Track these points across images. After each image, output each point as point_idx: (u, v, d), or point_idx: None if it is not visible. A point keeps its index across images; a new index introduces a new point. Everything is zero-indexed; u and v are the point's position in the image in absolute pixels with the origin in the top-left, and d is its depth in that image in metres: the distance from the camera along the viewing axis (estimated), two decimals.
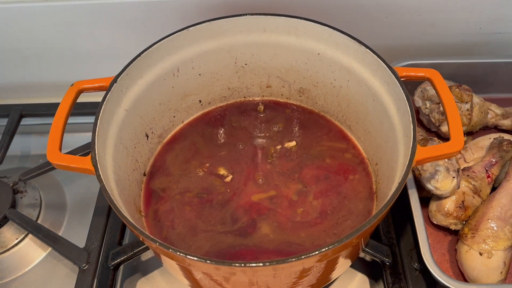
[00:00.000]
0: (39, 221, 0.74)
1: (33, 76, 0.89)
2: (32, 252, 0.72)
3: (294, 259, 0.44)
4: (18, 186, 0.78)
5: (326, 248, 0.44)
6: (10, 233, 0.73)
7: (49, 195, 0.78)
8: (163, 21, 0.79)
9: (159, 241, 0.47)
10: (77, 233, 0.73)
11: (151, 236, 0.48)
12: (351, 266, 0.66)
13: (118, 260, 0.64)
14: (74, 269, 0.68)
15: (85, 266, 0.65)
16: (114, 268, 0.64)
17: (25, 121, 0.85)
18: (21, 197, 0.77)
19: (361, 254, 0.67)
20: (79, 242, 0.70)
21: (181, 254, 0.45)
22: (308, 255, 0.44)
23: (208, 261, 0.45)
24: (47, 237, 0.68)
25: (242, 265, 0.45)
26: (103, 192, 0.50)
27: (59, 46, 0.84)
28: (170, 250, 0.45)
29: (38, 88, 0.90)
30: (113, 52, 0.84)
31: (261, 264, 0.44)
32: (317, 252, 0.44)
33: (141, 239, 0.48)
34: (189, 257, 0.45)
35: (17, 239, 0.72)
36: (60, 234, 0.73)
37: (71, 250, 0.67)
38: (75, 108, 0.77)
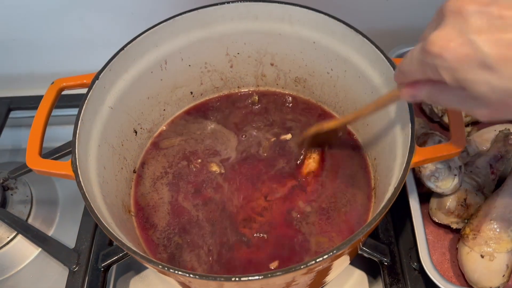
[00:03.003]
0: (30, 218, 0.73)
1: (19, 67, 0.86)
2: (24, 250, 0.71)
3: (281, 273, 0.42)
4: (8, 183, 0.76)
5: (314, 262, 0.42)
6: (1, 231, 0.71)
7: (41, 191, 0.77)
8: (150, 9, 0.75)
9: (142, 254, 0.45)
10: (69, 231, 0.71)
11: (134, 249, 0.46)
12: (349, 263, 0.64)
13: (109, 261, 0.63)
14: (66, 268, 0.66)
15: (75, 268, 0.64)
16: (104, 270, 0.63)
17: (14, 114, 0.83)
18: (11, 194, 0.75)
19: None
20: (71, 240, 0.69)
21: (176, 272, 0.43)
22: (296, 268, 0.42)
23: (204, 278, 0.43)
24: (36, 237, 0.67)
25: (237, 279, 0.43)
26: (84, 200, 0.48)
27: (44, 36, 0.81)
28: (160, 266, 0.44)
29: (26, 79, 0.87)
30: (101, 41, 0.81)
31: (257, 277, 0.42)
32: (302, 266, 0.41)
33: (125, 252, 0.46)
34: (180, 273, 0.43)
35: (8, 237, 0.71)
36: (52, 232, 0.73)
37: (61, 251, 0.66)
38: (67, 100, 0.76)
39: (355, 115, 0.55)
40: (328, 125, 0.59)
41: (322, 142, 0.64)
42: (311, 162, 0.64)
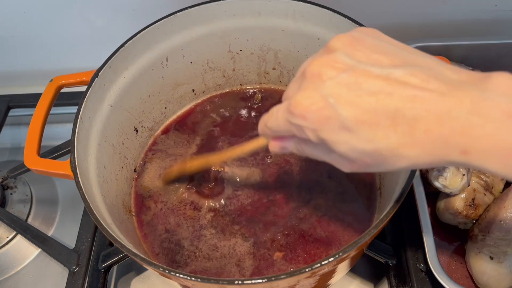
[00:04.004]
0: (30, 218, 0.72)
1: (19, 65, 0.85)
2: (24, 250, 0.70)
3: (285, 276, 0.41)
4: (8, 182, 0.75)
5: (319, 265, 0.40)
6: (0, 231, 0.70)
7: (41, 191, 0.76)
8: (151, 5, 0.74)
9: (139, 255, 0.43)
10: (70, 230, 0.70)
11: (135, 251, 0.44)
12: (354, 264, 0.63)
13: (109, 262, 0.62)
14: (66, 269, 0.65)
15: (75, 269, 0.63)
16: (105, 271, 0.62)
17: (14, 112, 0.82)
18: (11, 193, 0.74)
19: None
20: (71, 240, 0.68)
21: (178, 275, 0.42)
22: (301, 271, 0.41)
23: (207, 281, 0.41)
24: (36, 237, 0.66)
25: (240, 282, 0.41)
26: (83, 201, 0.47)
27: (44, 33, 0.79)
28: (161, 269, 0.42)
29: (26, 77, 0.86)
30: (101, 39, 0.80)
31: (260, 280, 0.41)
32: (307, 269, 0.40)
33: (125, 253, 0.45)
34: (182, 276, 0.41)
35: (7, 237, 0.70)
36: (52, 231, 0.72)
37: (61, 252, 0.64)
38: (67, 97, 0.75)
39: (219, 158, 0.55)
40: (190, 165, 0.58)
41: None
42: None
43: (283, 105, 0.37)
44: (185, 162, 0.59)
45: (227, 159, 0.54)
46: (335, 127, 0.33)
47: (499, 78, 0.29)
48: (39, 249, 0.69)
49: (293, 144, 0.39)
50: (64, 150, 0.70)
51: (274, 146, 0.41)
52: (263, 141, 0.44)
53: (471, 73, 0.31)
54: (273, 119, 0.38)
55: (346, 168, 0.36)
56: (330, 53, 0.34)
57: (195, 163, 0.57)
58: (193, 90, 0.71)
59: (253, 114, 0.71)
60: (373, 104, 0.31)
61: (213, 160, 0.56)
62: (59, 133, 0.80)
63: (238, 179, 0.62)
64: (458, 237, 0.61)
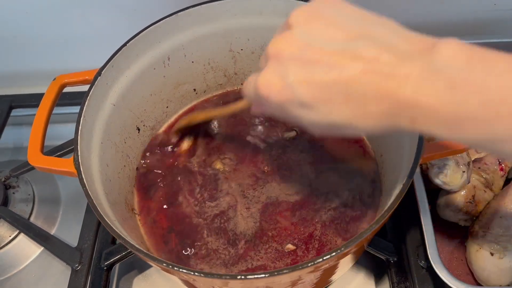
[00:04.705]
0: (32, 217, 0.72)
1: (21, 65, 0.85)
2: (27, 249, 0.71)
3: (287, 271, 0.41)
4: (10, 181, 0.75)
5: (321, 260, 0.41)
6: (3, 230, 0.71)
7: (43, 190, 0.76)
8: (153, 5, 0.74)
9: (142, 250, 0.44)
10: (72, 229, 0.71)
11: (138, 247, 0.45)
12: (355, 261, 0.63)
13: (112, 260, 0.62)
14: (69, 267, 0.66)
15: (77, 267, 0.63)
16: (107, 269, 0.62)
17: (16, 112, 0.82)
18: (13, 192, 0.74)
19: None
20: (73, 239, 0.68)
21: (181, 270, 0.42)
22: (303, 266, 0.41)
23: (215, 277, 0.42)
24: (38, 236, 0.66)
25: (242, 277, 0.42)
26: (86, 198, 0.47)
27: (46, 33, 0.80)
28: (164, 264, 0.43)
29: (28, 77, 0.87)
30: (103, 38, 0.79)
31: (262, 276, 0.41)
32: (309, 264, 0.40)
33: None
34: (185, 271, 0.42)
35: (10, 236, 0.70)
36: (54, 230, 0.72)
37: (63, 250, 0.65)
38: (70, 97, 0.75)
39: (220, 112, 0.62)
40: (199, 116, 0.65)
41: (194, 130, 0.68)
42: (184, 144, 0.67)
43: (255, 78, 0.39)
44: (190, 116, 0.66)
45: (224, 114, 0.61)
46: (295, 105, 0.35)
47: (446, 47, 0.30)
48: (42, 248, 0.69)
49: (269, 111, 0.41)
50: (67, 149, 0.70)
51: (255, 110, 0.44)
52: (246, 104, 0.50)
53: (422, 40, 0.32)
54: (247, 90, 0.42)
55: (315, 133, 0.38)
56: (288, 29, 0.36)
57: (202, 116, 0.64)
58: (194, 90, 0.72)
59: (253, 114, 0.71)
60: (326, 81, 0.33)
61: (214, 114, 0.63)
62: (61, 132, 0.80)
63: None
64: (458, 234, 0.61)
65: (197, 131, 0.68)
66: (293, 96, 0.35)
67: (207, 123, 0.68)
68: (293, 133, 0.68)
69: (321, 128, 0.36)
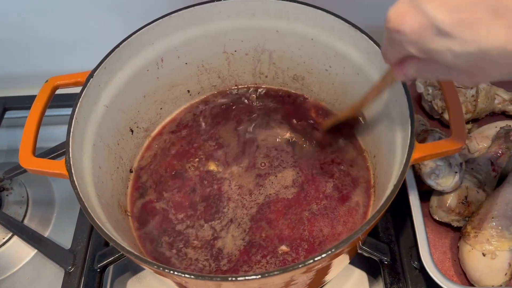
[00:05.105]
0: (26, 219, 0.72)
1: (15, 67, 0.85)
2: (20, 251, 0.70)
3: (278, 272, 0.41)
4: (3, 183, 0.75)
5: (312, 261, 0.41)
6: None
7: (37, 192, 0.76)
8: (147, 7, 0.74)
9: (132, 252, 0.44)
10: (66, 231, 0.70)
11: (129, 249, 0.45)
12: (349, 263, 0.63)
13: (105, 262, 0.62)
14: (62, 269, 0.65)
15: (70, 269, 0.63)
16: (101, 271, 0.62)
17: (9, 114, 0.82)
18: (7, 195, 0.74)
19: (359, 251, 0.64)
20: (67, 241, 0.68)
21: (172, 272, 0.42)
22: (294, 267, 0.41)
23: (200, 278, 0.42)
24: (31, 238, 0.66)
25: (233, 279, 0.42)
26: (78, 200, 0.47)
27: (40, 35, 0.80)
28: (155, 267, 0.43)
29: (22, 79, 0.86)
30: (97, 40, 0.79)
31: (254, 277, 0.41)
32: (301, 265, 0.41)
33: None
34: (176, 273, 0.42)
35: (3, 239, 0.70)
36: (48, 232, 0.72)
37: (57, 252, 0.65)
38: (64, 99, 0.75)
39: (362, 102, 0.56)
40: (342, 115, 0.62)
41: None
42: None
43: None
44: (337, 115, 0.64)
45: (368, 101, 0.55)
46: (433, 34, 0.30)
47: None
48: (35, 250, 0.69)
49: (412, 67, 0.37)
50: (59, 151, 0.70)
51: (396, 74, 0.39)
52: (389, 74, 0.46)
53: None
54: (383, 45, 0.37)
55: (466, 82, 0.33)
56: None
57: (344, 113, 0.62)
58: (188, 91, 0.72)
59: (247, 115, 0.71)
60: None
61: (356, 106, 0.58)
62: (54, 134, 0.80)
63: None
64: (451, 235, 0.61)
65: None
66: (428, 22, 0.30)
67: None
68: (287, 134, 0.68)
69: (469, 64, 0.30)
